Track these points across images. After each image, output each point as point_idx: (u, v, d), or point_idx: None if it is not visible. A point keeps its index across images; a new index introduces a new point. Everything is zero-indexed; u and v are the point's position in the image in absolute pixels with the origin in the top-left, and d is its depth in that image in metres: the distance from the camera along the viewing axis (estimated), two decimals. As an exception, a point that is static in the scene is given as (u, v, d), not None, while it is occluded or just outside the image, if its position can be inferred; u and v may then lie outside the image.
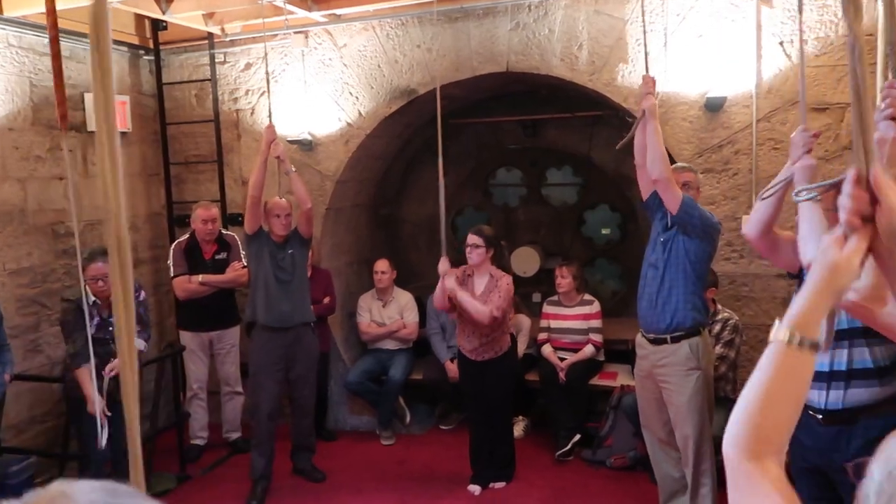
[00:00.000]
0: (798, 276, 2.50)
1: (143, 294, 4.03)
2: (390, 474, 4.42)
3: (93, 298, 3.62)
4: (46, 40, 3.92)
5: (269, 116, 4.01)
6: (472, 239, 4.02)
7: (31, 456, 4.04)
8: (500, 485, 4.15)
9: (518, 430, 4.83)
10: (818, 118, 3.90)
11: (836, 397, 2.25)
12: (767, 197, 2.28)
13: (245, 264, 4.51)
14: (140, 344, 3.79)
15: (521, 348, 4.93)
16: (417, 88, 4.82)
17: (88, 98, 4.63)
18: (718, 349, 3.85)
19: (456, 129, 5.67)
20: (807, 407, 2.26)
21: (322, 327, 4.84)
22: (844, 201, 0.89)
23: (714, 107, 4.19)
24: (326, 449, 4.73)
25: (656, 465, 3.54)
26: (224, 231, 4.79)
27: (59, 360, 4.27)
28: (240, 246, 4.64)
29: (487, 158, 6.35)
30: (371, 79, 4.91)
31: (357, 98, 4.96)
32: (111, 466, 3.77)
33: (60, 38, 2.34)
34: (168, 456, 4.44)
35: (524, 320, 5.06)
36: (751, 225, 2.40)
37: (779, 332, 0.86)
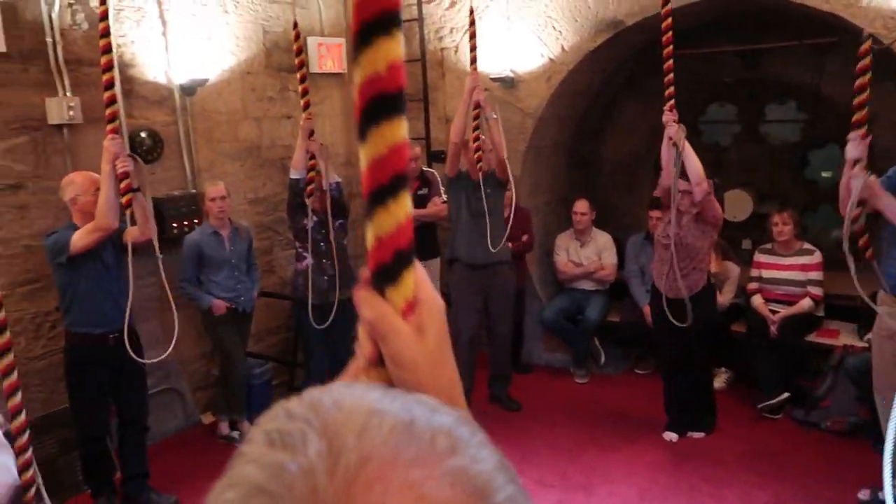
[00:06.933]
0: None
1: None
2: (583, 411, 4.48)
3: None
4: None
5: (473, 63, 4.00)
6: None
7: (268, 362, 4.66)
8: (698, 435, 4.04)
9: (719, 381, 4.62)
10: None
11: None
12: None
13: (445, 199, 4.70)
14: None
15: (728, 297, 4.66)
16: (624, 20, 4.57)
17: (311, 42, 4.99)
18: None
19: (661, 63, 5.31)
20: None
21: (519, 264, 4.93)
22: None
23: None
24: (521, 381, 4.88)
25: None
26: (425, 168, 5.00)
27: (290, 280, 4.79)
28: (440, 182, 4.83)
29: (698, 93, 5.91)
30: (576, 11, 4.74)
31: (560, 32, 4.83)
32: (329, 375, 4.21)
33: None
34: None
35: (732, 268, 4.75)
36: None
37: None
